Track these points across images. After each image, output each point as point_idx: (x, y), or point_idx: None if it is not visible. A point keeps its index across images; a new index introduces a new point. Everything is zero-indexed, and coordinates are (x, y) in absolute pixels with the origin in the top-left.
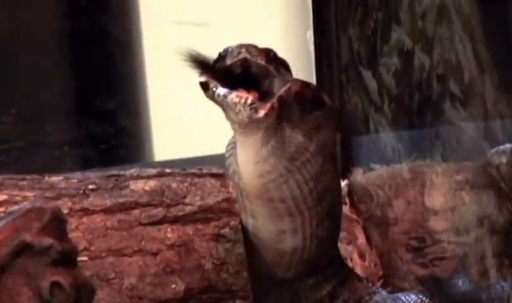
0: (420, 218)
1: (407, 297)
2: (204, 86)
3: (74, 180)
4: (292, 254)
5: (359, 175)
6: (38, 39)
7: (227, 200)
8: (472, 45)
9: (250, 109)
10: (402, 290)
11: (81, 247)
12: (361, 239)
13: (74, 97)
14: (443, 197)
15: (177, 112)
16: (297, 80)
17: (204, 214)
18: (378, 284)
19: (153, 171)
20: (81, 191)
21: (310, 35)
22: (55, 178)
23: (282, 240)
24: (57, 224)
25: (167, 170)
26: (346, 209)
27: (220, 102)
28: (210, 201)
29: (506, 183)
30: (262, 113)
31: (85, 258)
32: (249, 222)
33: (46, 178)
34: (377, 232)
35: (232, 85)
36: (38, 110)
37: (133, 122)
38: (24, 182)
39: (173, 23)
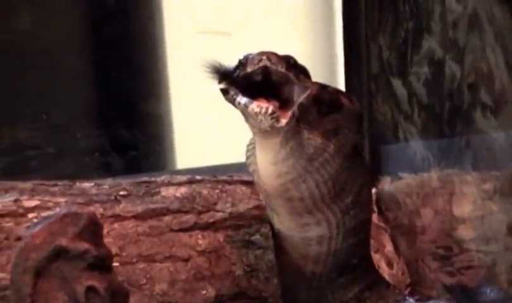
0: (448, 227)
1: None
2: (224, 91)
3: (106, 187)
4: (319, 243)
5: (387, 184)
6: (68, 50)
7: (257, 207)
8: (504, 54)
9: (272, 118)
10: (429, 298)
11: (112, 252)
12: (389, 247)
13: (102, 105)
14: (471, 206)
15: (200, 121)
16: (315, 82)
17: (235, 221)
18: (406, 292)
19: (183, 178)
20: (113, 197)
21: (339, 44)
22: (86, 185)
23: (307, 231)
24: (92, 229)
25: (198, 177)
26: (373, 217)
27: (241, 110)
28: (241, 207)
29: None
30: (283, 122)
31: (116, 264)
32: (274, 217)
33: (77, 184)
34: (405, 240)
35: (252, 92)
36: (68, 117)
37: (156, 131)
38: (56, 188)
39: (197, 33)
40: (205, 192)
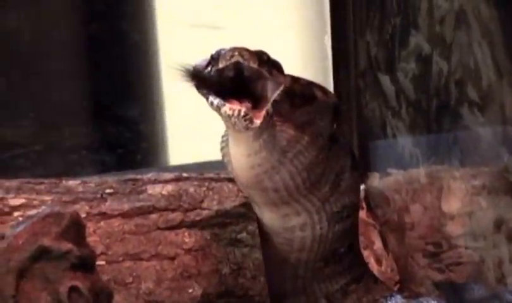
0: (437, 223)
1: (423, 302)
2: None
3: (92, 185)
4: (302, 230)
5: (376, 180)
6: (56, 45)
7: (244, 205)
8: (491, 50)
9: (245, 120)
10: (418, 295)
11: (98, 251)
12: (378, 244)
13: (91, 102)
14: (460, 202)
15: (192, 117)
16: (287, 75)
17: (221, 219)
18: (395, 289)
19: (170, 175)
20: (99, 195)
21: (327, 39)
22: (72, 183)
23: (287, 221)
24: (75, 229)
25: (185, 175)
26: (362, 213)
27: (215, 110)
28: (228, 205)
29: None
30: (257, 122)
31: (103, 262)
32: (256, 208)
33: (63, 182)
34: (394, 237)
35: (225, 89)
36: (56, 114)
37: (148, 127)
38: (42, 186)
39: (188, 26)
40: (191, 189)
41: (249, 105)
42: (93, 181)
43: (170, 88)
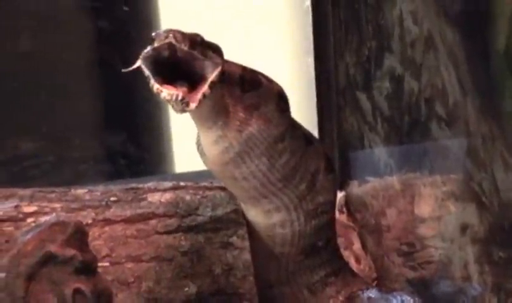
0: (410, 226)
1: (397, 296)
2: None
3: (98, 193)
4: (282, 226)
5: (355, 187)
6: (66, 67)
7: (235, 211)
8: (456, 71)
9: (182, 104)
10: (393, 290)
11: (103, 253)
12: (357, 244)
13: (99, 116)
14: (430, 207)
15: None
16: (241, 65)
17: (214, 224)
18: (373, 284)
19: (169, 184)
20: (104, 203)
21: (310, 60)
22: (80, 191)
23: (269, 217)
24: (79, 236)
25: (182, 184)
26: (343, 217)
27: (156, 94)
28: (220, 212)
29: (487, 197)
30: (193, 105)
31: (107, 264)
32: (243, 207)
33: (72, 191)
34: (371, 238)
35: (165, 69)
36: (66, 128)
37: (155, 137)
38: (53, 195)
39: None
40: (187, 197)
41: (185, 89)
42: (98, 190)
43: None
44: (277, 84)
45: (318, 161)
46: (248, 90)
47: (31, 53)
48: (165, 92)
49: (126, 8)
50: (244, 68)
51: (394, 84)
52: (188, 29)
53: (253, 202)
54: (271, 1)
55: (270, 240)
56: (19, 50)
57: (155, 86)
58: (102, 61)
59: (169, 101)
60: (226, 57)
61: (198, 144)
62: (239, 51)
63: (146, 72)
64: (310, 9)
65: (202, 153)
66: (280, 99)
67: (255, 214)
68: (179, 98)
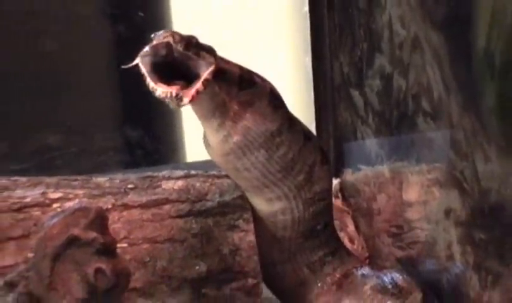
0: (399, 210)
1: (388, 274)
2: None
3: (117, 181)
4: (283, 214)
5: (349, 175)
6: (87, 66)
7: (240, 197)
8: (440, 71)
9: (176, 99)
10: (383, 268)
11: (121, 236)
12: (351, 227)
13: (117, 111)
14: (417, 193)
15: None
16: (239, 65)
17: (222, 209)
18: (366, 263)
19: (181, 173)
20: (122, 190)
21: (308, 60)
22: (101, 179)
23: (271, 205)
24: (100, 221)
25: (193, 172)
26: (338, 202)
27: (152, 91)
28: (227, 198)
29: (468, 184)
30: (186, 100)
31: (125, 245)
32: (248, 195)
33: (93, 179)
34: (364, 221)
35: (163, 68)
36: (88, 122)
37: (169, 130)
38: (76, 182)
39: None
40: (198, 184)
41: (178, 86)
42: (117, 178)
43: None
44: (269, 83)
45: (315, 154)
46: (244, 88)
47: (57, 55)
48: (160, 90)
49: (141, 14)
50: (241, 68)
51: (384, 81)
52: (196, 32)
53: (255, 191)
54: (273, 7)
55: (273, 225)
56: (47, 52)
57: (151, 84)
58: (120, 61)
59: (164, 98)
60: (231, 56)
61: (204, 138)
62: (244, 51)
63: (143, 70)
64: (307, 13)
65: (207, 145)
66: (273, 96)
67: (258, 203)
68: (173, 94)
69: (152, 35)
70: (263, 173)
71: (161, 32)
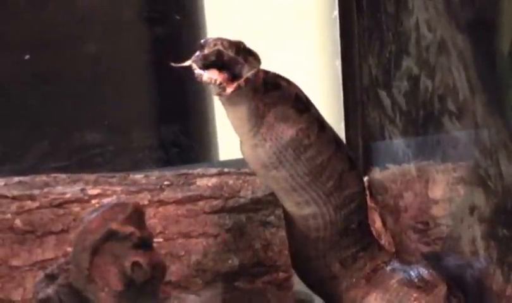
0: (425, 207)
1: (414, 268)
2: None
3: (153, 178)
4: (314, 218)
5: (377, 173)
6: (127, 66)
7: (272, 194)
8: (465, 72)
9: (219, 88)
10: (410, 263)
11: (157, 230)
12: (378, 223)
13: (154, 111)
14: (442, 191)
15: None
16: (264, 70)
17: (254, 205)
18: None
19: (214, 170)
20: (158, 186)
21: (338, 63)
22: (138, 176)
23: (301, 209)
24: (137, 215)
25: (226, 170)
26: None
27: (199, 80)
28: (259, 194)
29: (492, 182)
30: (228, 91)
31: (161, 240)
32: (278, 197)
33: (131, 176)
34: (391, 218)
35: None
36: (125, 121)
37: (203, 129)
38: (114, 179)
39: None
40: (231, 182)
41: (226, 76)
42: (154, 175)
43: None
44: (295, 87)
45: (344, 161)
46: (269, 90)
47: (97, 57)
48: (206, 75)
49: (177, 17)
50: (266, 72)
51: (411, 83)
52: (230, 35)
53: (285, 193)
54: (305, 12)
55: (305, 227)
56: (88, 54)
57: (198, 72)
58: (157, 62)
59: (208, 83)
60: (263, 60)
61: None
62: (277, 55)
63: (193, 66)
64: (337, 18)
65: (241, 147)
66: (297, 100)
67: (289, 206)
68: (218, 81)
69: (202, 41)
70: (290, 174)
71: (211, 39)
